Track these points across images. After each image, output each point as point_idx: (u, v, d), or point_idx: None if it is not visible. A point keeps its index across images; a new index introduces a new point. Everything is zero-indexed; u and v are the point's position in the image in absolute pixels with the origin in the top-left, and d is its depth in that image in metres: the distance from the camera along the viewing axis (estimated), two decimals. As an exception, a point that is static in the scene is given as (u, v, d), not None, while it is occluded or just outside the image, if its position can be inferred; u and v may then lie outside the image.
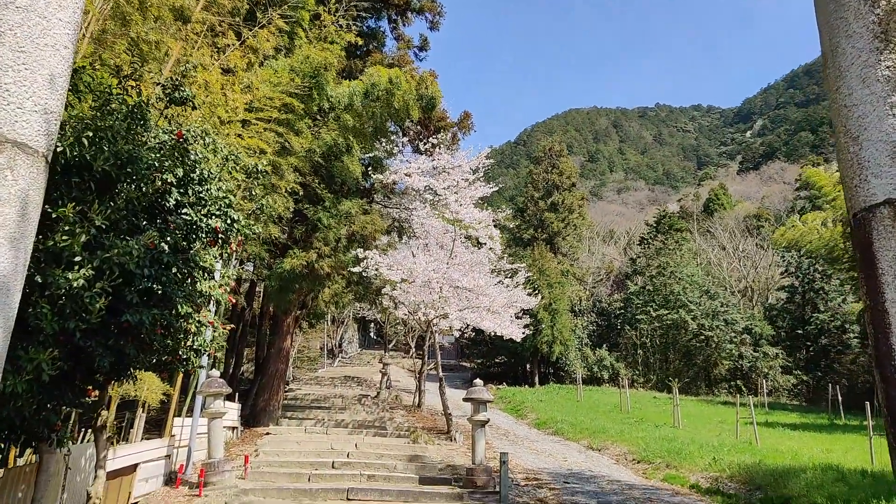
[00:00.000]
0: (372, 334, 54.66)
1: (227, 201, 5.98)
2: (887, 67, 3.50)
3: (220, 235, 5.94)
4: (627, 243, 61.21)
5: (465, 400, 12.31)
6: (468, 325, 19.57)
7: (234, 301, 8.18)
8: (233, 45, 13.16)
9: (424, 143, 20.32)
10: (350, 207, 18.34)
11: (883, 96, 3.55)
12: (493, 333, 19.46)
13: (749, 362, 38.15)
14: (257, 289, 24.74)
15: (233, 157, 6.30)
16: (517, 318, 20.61)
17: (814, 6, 4.05)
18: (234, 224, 6.08)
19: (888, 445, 3.82)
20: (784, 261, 42.85)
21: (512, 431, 20.95)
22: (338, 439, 15.85)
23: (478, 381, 12.43)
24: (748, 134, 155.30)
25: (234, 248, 6.29)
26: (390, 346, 43.13)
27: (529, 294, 20.83)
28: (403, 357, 44.44)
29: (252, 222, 6.32)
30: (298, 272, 16.58)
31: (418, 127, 22.09)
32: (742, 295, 47.45)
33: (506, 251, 21.36)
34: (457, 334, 19.79)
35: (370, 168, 19.61)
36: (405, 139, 21.35)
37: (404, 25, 23.17)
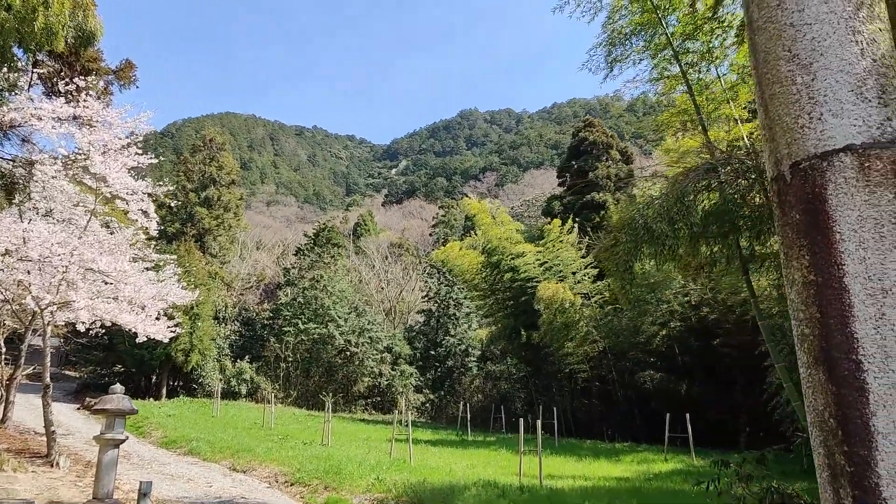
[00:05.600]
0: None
1: None
2: (849, -20, 2.64)
3: None
4: (282, 253, 59.52)
5: (97, 411, 9.12)
6: (97, 321, 15.47)
7: None
8: None
9: (66, 84, 15.74)
10: (-65, 142, 13.08)
11: (845, 17, 2.64)
12: (130, 331, 15.72)
13: (387, 380, 39.70)
14: None
15: None
16: (168, 317, 17.13)
17: None
18: None
19: (818, 466, 2.87)
20: (426, 286, 46.28)
21: (135, 452, 17.39)
22: None
23: (117, 386, 9.32)
24: (394, 171, 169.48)
25: None
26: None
27: (185, 288, 17.54)
28: (-21, 360, 34.83)
29: None
30: None
31: (58, 64, 17.18)
32: (386, 315, 49.72)
33: (149, 242, 17.92)
34: (82, 328, 15.46)
35: (-22, 97, 14.38)
36: (36, 71, 16.33)
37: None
